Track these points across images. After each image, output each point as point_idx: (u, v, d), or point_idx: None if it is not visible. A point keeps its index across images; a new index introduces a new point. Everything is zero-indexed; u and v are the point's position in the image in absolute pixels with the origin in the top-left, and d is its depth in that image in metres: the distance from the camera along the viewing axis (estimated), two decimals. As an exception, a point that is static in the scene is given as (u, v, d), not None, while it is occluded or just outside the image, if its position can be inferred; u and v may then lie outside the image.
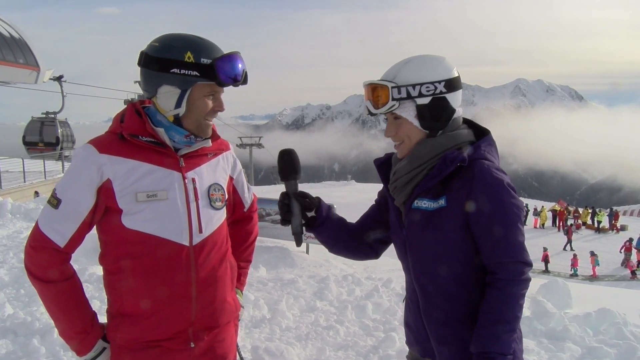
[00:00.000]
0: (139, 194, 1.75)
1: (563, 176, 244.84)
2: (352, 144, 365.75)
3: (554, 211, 30.66)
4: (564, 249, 24.35)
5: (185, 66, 1.73)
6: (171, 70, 1.74)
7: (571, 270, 21.03)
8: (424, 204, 1.81)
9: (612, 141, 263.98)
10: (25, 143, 24.32)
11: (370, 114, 1.87)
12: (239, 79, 1.80)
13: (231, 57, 1.78)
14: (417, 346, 1.97)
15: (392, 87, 1.78)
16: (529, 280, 1.73)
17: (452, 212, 1.75)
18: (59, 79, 24.87)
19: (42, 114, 25.12)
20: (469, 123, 1.94)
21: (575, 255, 21.52)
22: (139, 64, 1.81)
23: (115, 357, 1.87)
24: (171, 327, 1.84)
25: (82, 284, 1.89)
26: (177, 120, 1.83)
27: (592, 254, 20.93)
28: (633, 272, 20.68)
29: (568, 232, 25.56)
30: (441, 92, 1.78)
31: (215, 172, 1.97)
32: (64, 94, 25.06)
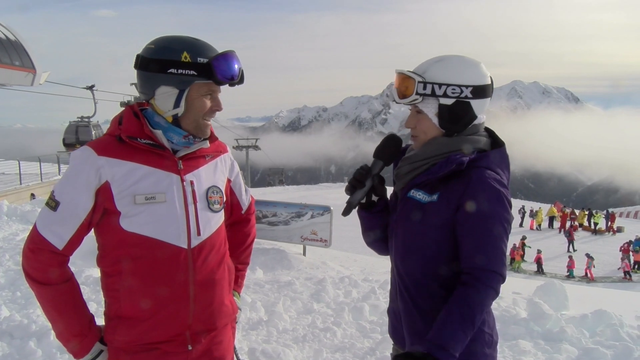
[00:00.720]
0: (137, 197, 1.75)
1: (560, 178, 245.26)
2: (348, 146, 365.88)
3: (551, 218, 30.76)
4: (573, 250, 24.13)
5: (182, 66, 1.74)
6: (168, 71, 1.74)
7: (567, 272, 21.03)
8: (418, 195, 1.85)
9: (608, 143, 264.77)
10: (65, 145, 25.92)
11: (395, 101, 1.90)
12: (235, 78, 1.81)
13: (227, 56, 1.79)
14: (393, 334, 2.04)
15: (419, 82, 1.79)
16: (497, 292, 1.72)
17: (440, 209, 1.78)
18: (90, 87, 26.68)
19: (77, 118, 26.65)
20: (489, 132, 1.95)
21: (570, 257, 21.52)
22: (136, 66, 1.81)
23: (112, 359, 1.87)
24: (169, 329, 1.84)
25: (79, 286, 1.89)
26: (176, 121, 1.83)
27: (588, 256, 20.95)
28: (627, 274, 20.64)
29: (570, 234, 25.51)
30: (466, 97, 1.79)
31: (214, 174, 1.98)
32: (96, 101, 26.48)
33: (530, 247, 23.04)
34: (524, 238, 23.61)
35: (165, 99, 1.80)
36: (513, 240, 22.13)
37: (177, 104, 1.79)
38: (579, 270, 20.98)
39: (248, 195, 2.28)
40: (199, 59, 1.74)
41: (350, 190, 1.94)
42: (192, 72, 1.74)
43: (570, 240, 24.77)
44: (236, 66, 1.81)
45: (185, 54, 1.74)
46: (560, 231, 29.20)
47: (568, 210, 32.26)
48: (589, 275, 20.59)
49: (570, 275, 20.57)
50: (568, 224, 29.19)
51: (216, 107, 1.86)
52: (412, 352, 1.64)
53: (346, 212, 1.95)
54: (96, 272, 6.60)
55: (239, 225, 2.29)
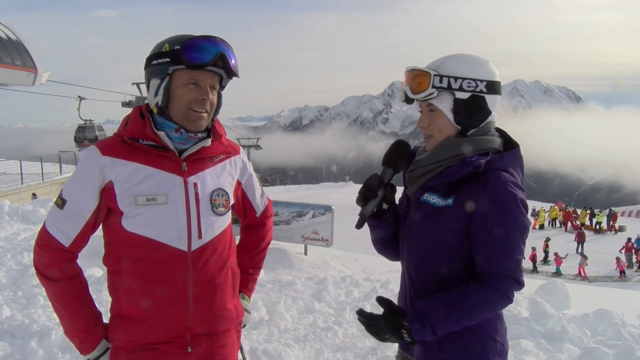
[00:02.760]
0: (138, 197, 1.76)
1: (562, 177, 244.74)
2: (350, 145, 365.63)
3: (552, 220, 30.74)
4: (581, 253, 23.89)
5: (161, 56, 1.75)
6: (152, 63, 1.77)
7: (555, 270, 20.92)
8: (432, 199, 1.81)
9: (610, 142, 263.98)
10: (76, 140, 29.34)
11: (407, 100, 1.86)
12: (208, 60, 1.73)
13: (200, 39, 1.75)
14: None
15: (434, 75, 1.76)
16: (509, 298, 1.70)
17: (455, 214, 1.74)
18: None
19: (85, 120, 29.69)
20: (501, 132, 1.92)
21: (556, 254, 21.39)
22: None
23: (112, 357, 1.89)
24: (167, 331, 1.84)
25: (87, 284, 1.90)
26: (163, 113, 1.81)
27: (582, 255, 20.87)
28: (622, 272, 20.53)
29: (576, 236, 25.13)
30: (481, 91, 1.77)
31: (220, 177, 1.95)
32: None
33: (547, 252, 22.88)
34: (547, 240, 23.45)
35: (151, 91, 1.81)
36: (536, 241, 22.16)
37: (157, 93, 1.79)
38: (572, 269, 20.87)
39: (264, 198, 2.25)
40: (175, 46, 1.73)
41: (363, 201, 1.88)
42: (166, 59, 1.74)
43: (580, 242, 24.24)
44: (216, 51, 1.74)
45: (166, 45, 1.75)
46: (566, 230, 29.14)
47: (570, 209, 32.21)
48: (582, 274, 20.46)
49: (557, 273, 20.46)
50: (569, 224, 29.13)
51: (202, 95, 1.79)
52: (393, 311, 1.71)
53: (359, 225, 1.90)
54: (97, 272, 6.60)
55: (254, 228, 2.28)
